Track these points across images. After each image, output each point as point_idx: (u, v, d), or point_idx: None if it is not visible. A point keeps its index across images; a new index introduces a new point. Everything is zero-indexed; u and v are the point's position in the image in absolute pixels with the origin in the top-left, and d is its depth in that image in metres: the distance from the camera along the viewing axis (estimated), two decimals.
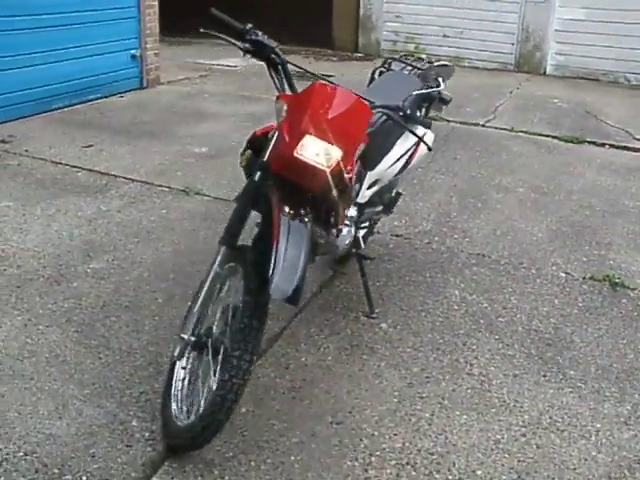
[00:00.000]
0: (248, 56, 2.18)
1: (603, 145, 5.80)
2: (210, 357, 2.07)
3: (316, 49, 9.07)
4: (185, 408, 2.18)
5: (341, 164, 1.99)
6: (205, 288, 2.11)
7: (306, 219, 2.03)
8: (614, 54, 8.00)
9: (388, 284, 3.23)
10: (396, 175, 2.90)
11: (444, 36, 8.73)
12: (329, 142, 1.90)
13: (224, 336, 2.09)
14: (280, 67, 2.16)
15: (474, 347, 2.78)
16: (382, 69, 3.13)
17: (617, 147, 5.76)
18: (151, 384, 2.43)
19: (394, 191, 3.15)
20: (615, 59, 8.05)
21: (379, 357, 2.70)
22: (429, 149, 2.53)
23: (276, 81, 2.12)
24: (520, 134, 6.02)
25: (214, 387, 1.92)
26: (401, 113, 2.28)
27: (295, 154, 1.91)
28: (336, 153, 1.92)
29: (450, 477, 2.10)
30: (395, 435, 2.27)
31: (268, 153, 2.08)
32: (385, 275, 3.31)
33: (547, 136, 5.98)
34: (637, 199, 4.57)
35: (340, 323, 2.89)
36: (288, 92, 2.18)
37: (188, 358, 2.32)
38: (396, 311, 3.01)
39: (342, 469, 2.10)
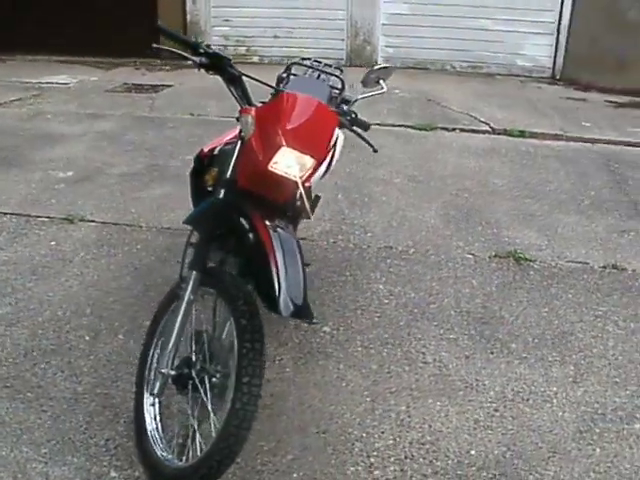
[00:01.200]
0: (200, 71, 2.12)
1: (454, 130, 6.27)
2: (197, 389, 2.01)
3: (144, 60, 8.81)
4: (169, 448, 2.09)
5: (311, 172, 2.02)
6: (179, 316, 2.03)
7: (289, 227, 2.04)
8: (440, 44, 8.66)
9: (314, 288, 3.28)
10: (321, 178, 2.96)
11: (275, 37, 8.90)
12: (302, 152, 1.92)
13: (206, 364, 2.03)
14: (237, 80, 2.13)
15: (419, 336, 2.93)
16: (286, 74, 3.15)
17: (467, 131, 6.26)
18: (115, 428, 2.30)
19: (314, 194, 3.21)
20: (441, 49, 8.72)
21: (335, 360, 2.75)
22: (375, 150, 2.62)
23: (236, 95, 2.09)
24: (375, 127, 6.30)
25: (226, 418, 1.86)
26: (348, 117, 2.35)
27: (270, 168, 1.91)
28: (309, 162, 1.95)
29: (450, 462, 2.22)
30: (382, 433, 2.34)
31: (232, 169, 2.05)
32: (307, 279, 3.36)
33: (401, 126, 6.33)
34: (502, 177, 5.02)
35: (284, 333, 2.90)
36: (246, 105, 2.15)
37: (153, 395, 2.23)
38: (332, 313, 3.08)
39: (348, 476, 2.14)
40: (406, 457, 2.23)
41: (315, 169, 1.99)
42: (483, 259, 3.66)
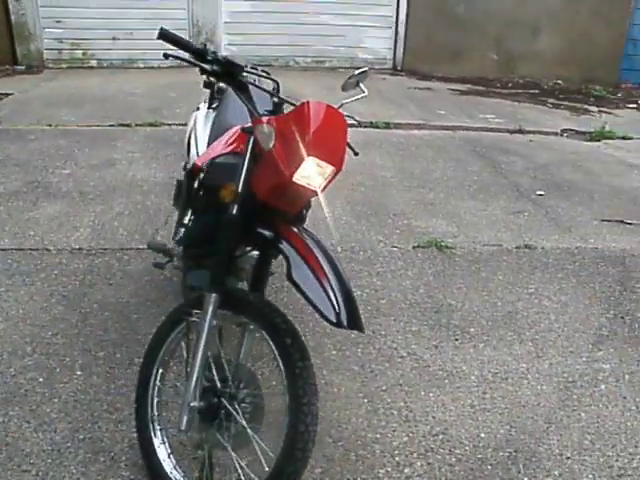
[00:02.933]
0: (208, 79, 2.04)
1: None
2: (230, 417, 1.96)
3: None
4: None
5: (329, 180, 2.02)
6: (202, 344, 1.96)
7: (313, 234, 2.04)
8: (283, 40, 8.84)
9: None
10: None
11: (114, 39, 8.54)
12: (326, 161, 1.93)
13: (233, 390, 2.00)
14: (245, 89, 2.06)
15: (383, 332, 3.04)
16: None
17: None
18: (119, 474, 2.16)
19: None
20: (284, 45, 8.90)
21: (316, 367, 2.76)
22: (356, 154, 2.66)
23: (249, 105, 2.02)
24: None
25: (288, 442, 1.83)
26: None
27: (295, 179, 1.89)
28: (329, 171, 1.95)
29: (467, 448, 2.36)
30: (394, 431, 2.43)
31: (243, 183, 1.99)
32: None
33: None
34: (387, 169, 5.28)
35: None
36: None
37: (162, 431, 2.16)
38: (292, 320, 3.08)
39: (381, 478, 2.19)
40: (427, 450, 2.32)
41: (333, 177, 2.00)
42: (408, 250, 3.84)
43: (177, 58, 1.92)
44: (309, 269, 1.85)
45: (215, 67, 1.95)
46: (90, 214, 4.05)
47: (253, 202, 1.97)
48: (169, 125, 6.01)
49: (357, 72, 2.37)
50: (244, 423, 1.95)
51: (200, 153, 2.75)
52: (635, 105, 8.51)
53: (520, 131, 6.83)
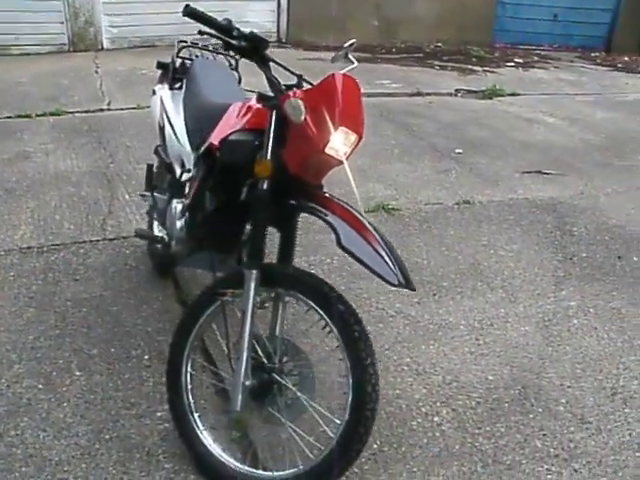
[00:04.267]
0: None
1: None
2: (283, 391, 2.02)
3: None
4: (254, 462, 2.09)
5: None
6: (247, 322, 1.99)
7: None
8: (165, 19, 8.58)
9: None
10: None
11: None
12: (353, 131, 1.99)
13: (284, 362, 2.05)
14: (267, 65, 2.07)
15: (366, 295, 3.16)
16: (181, 58, 3.05)
17: None
18: (161, 467, 2.17)
19: None
20: (167, 24, 8.64)
21: (315, 336, 2.85)
22: None
23: (274, 80, 2.03)
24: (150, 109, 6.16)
25: (347, 416, 1.91)
26: None
27: (327, 150, 1.94)
28: (354, 140, 2.01)
29: (481, 391, 2.54)
30: (411, 386, 2.57)
31: (272, 156, 2.01)
32: None
33: None
34: None
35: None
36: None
37: (202, 417, 2.18)
38: None
39: (415, 429, 2.33)
40: (447, 398, 2.48)
41: (356, 146, 2.06)
42: None
43: (210, 35, 1.90)
44: (359, 235, 1.91)
45: (243, 43, 1.94)
46: (26, 211, 3.85)
47: (282, 175, 1.99)
48: (72, 113, 5.76)
49: (346, 44, 2.41)
50: (299, 394, 1.99)
51: (179, 134, 2.71)
52: (513, 63, 9.06)
53: (419, 94, 7.10)
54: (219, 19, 1.97)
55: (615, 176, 4.89)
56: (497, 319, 2.98)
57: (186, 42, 3.11)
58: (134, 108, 5.97)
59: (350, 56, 2.44)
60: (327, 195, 2.04)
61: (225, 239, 2.39)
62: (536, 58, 9.58)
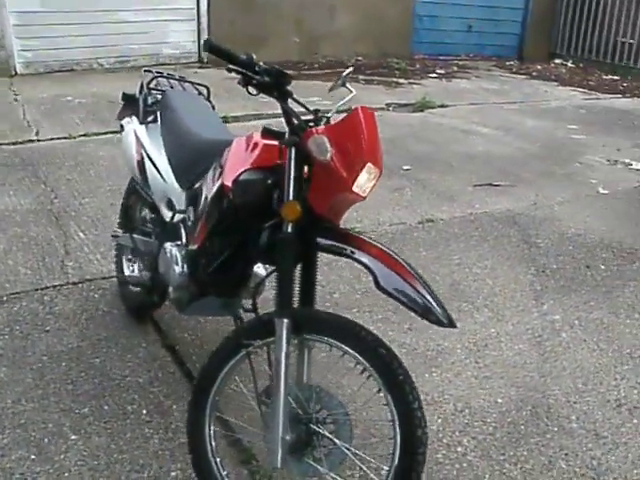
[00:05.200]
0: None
1: None
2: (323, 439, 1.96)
3: None
4: None
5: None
6: (282, 374, 1.91)
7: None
8: (83, 42, 8.31)
9: None
10: None
11: None
12: (376, 166, 1.94)
13: (319, 410, 1.99)
14: (286, 101, 2.00)
15: None
16: (153, 90, 2.94)
17: None
18: None
19: None
20: (85, 47, 8.38)
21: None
22: None
23: (294, 116, 1.96)
24: (82, 138, 5.96)
25: (396, 461, 1.86)
26: None
27: (354, 188, 1.89)
28: (376, 174, 1.96)
29: (495, 415, 2.55)
30: None
31: (292, 196, 1.94)
32: None
33: (110, 133, 6.01)
34: None
35: None
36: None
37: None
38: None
39: (442, 462, 2.31)
40: (464, 427, 2.48)
41: (377, 181, 2.01)
42: None
43: (236, 72, 1.82)
44: (396, 274, 1.86)
45: (266, 78, 1.87)
46: None
47: (307, 217, 1.93)
48: None
49: (344, 74, 2.38)
50: (339, 442, 1.93)
51: (163, 171, 2.59)
52: (435, 75, 9.28)
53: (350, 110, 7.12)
54: (240, 55, 1.89)
55: (561, 184, 5.06)
56: (490, 339, 3.01)
57: (151, 71, 2.99)
58: (66, 138, 5.73)
59: (348, 85, 2.40)
60: (353, 233, 1.98)
61: (232, 283, 2.30)
62: (455, 68, 9.85)
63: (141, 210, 2.96)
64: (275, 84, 1.90)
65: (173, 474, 2.24)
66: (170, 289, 2.43)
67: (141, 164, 2.69)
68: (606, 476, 2.27)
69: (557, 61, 10.91)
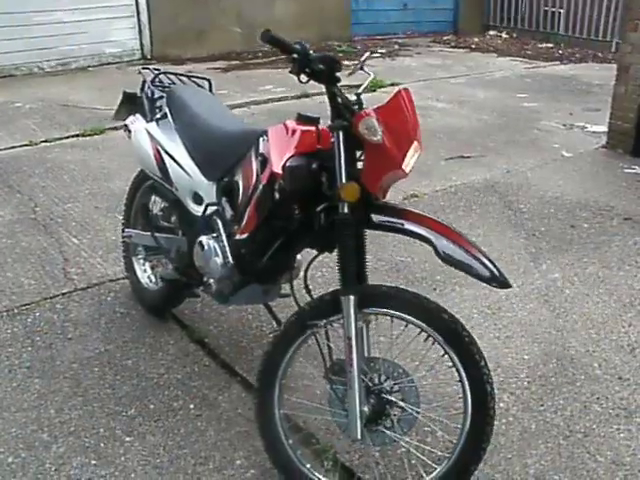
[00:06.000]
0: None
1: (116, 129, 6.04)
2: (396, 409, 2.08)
3: None
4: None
5: None
6: (354, 353, 2.01)
7: None
8: (18, 46, 8.10)
9: None
10: None
11: None
12: (420, 145, 2.06)
13: (387, 381, 2.10)
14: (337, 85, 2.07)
15: None
16: (151, 86, 2.95)
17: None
18: None
19: None
20: (21, 51, 8.18)
21: None
22: None
23: (345, 101, 2.03)
24: (53, 143, 5.84)
25: (468, 418, 1.98)
26: None
27: (404, 167, 2.00)
28: (419, 151, 2.08)
29: (525, 370, 2.71)
30: None
31: (347, 177, 2.03)
32: None
33: (67, 137, 5.95)
34: None
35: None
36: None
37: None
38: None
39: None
40: (501, 383, 2.64)
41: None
42: None
43: (292, 60, 1.90)
44: (454, 244, 1.98)
45: (320, 65, 1.95)
46: None
47: (362, 196, 2.01)
48: None
49: (362, 59, 2.48)
50: (410, 408, 2.04)
51: (186, 166, 2.62)
52: (378, 54, 9.42)
53: (306, 95, 7.21)
54: (293, 44, 1.96)
55: (527, 151, 5.29)
56: (502, 302, 3.17)
57: (149, 69, 3.01)
58: (27, 145, 5.62)
59: (365, 68, 2.50)
60: (404, 207, 2.08)
61: (279, 269, 2.38)
62: (396, 47, 10.03)
63: (154, 207, 2.98)
64: (327, 70, 1.97)
65: (238, 462, 2.30)
66: (211, 281, 2.48)
67: (160, 161, 2.71)
68: (637, 414, 2.45)
69: (492, 32, 11.23)
